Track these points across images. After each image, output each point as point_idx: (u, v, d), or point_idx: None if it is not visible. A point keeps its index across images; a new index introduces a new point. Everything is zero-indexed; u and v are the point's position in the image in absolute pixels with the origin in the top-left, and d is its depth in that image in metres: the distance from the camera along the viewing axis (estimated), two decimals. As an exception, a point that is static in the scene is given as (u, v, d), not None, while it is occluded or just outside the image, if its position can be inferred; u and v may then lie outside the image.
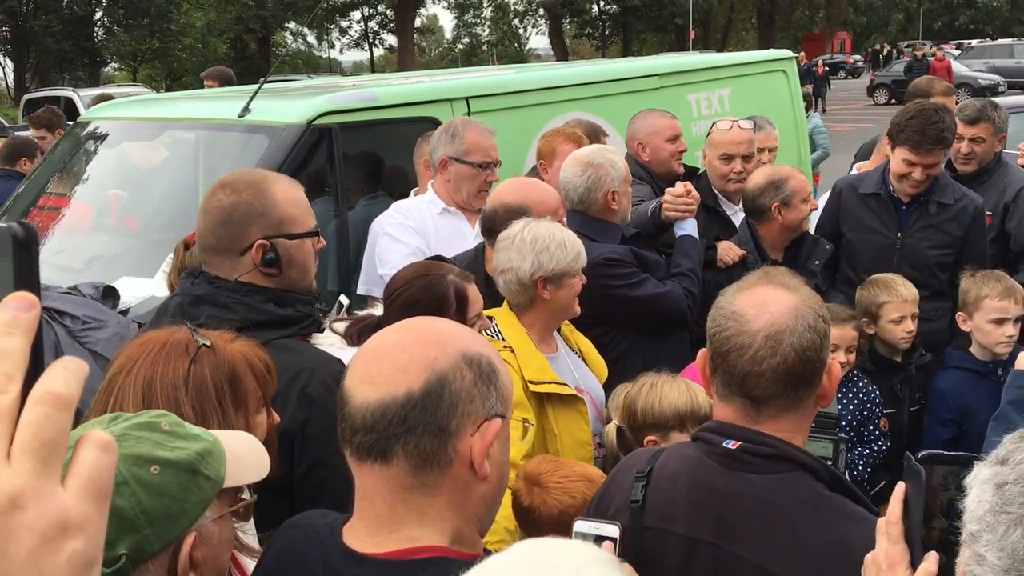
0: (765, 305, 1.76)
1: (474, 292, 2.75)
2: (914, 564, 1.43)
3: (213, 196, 2.31)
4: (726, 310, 1.80)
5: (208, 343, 1.81)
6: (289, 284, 2.34)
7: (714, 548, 1.76)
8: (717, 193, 4.36)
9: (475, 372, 1.38)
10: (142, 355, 1.79)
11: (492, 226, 3.27)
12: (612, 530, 1.74)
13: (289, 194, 2.36)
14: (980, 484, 1.23)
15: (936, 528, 1.47)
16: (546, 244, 2.90)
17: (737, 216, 4.33)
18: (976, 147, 4.63)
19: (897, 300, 3.83)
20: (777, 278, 1.85)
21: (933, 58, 30.55)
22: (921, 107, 4.16)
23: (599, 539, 1.73)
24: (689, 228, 3.83)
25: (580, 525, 1.77)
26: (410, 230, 3.87)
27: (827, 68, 36.83)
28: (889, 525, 1.47)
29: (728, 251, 4.00)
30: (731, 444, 1.79)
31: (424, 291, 2.66)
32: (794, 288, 1.82)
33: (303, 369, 2.19)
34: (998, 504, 1.18)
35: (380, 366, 1.37)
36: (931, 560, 1.42)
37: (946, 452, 1.54)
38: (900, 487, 1.48)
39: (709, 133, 4.47)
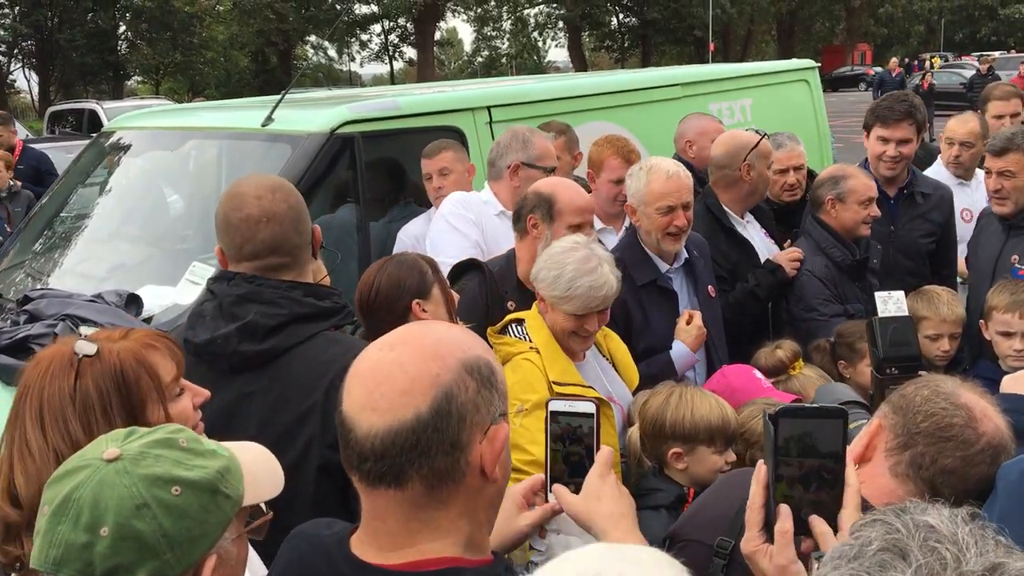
0: (989, 414, 1.74)
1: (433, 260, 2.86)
2: (768, 523, 1.47)
3: (275, 201, 2.33)
4: (952, 399, 1.74)
5: (92, 351, 1.74)
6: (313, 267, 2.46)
7: None
8: (727, 210, 4.20)
9: (477, 380, 1.36)
10: (34, 379, 1.73)
11: (519, 210, 3.41)
12: (587, 407, 1.71)
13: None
14: None
15: (783, 479, 1.49)
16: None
17: (747, 230, 4.27)
18: (1006, 182, 3.99)
19: (936, 318, 3.74)
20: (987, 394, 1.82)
21: (1016, 73, 22.67)
22: (893, 92, 4.52)
23: (576, 416, 1.70)
24: (678, 352, 3.53)
25: (555, 404, 1.73)
26: (471, 222, 3.90)
27: (933, 83, 25.66)
28: (750, 513, 1.50)
29: (788, 260, 4.02)
30: None
31: (398, 268, 2.73)
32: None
33: (353, 358, 2.23)
34: None
35: (382, 389, 1.32)
36: (783, 516, 1.45)
37: (804, 406, 1.52)
38: (760, 466, 1.50)
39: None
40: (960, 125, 5.16)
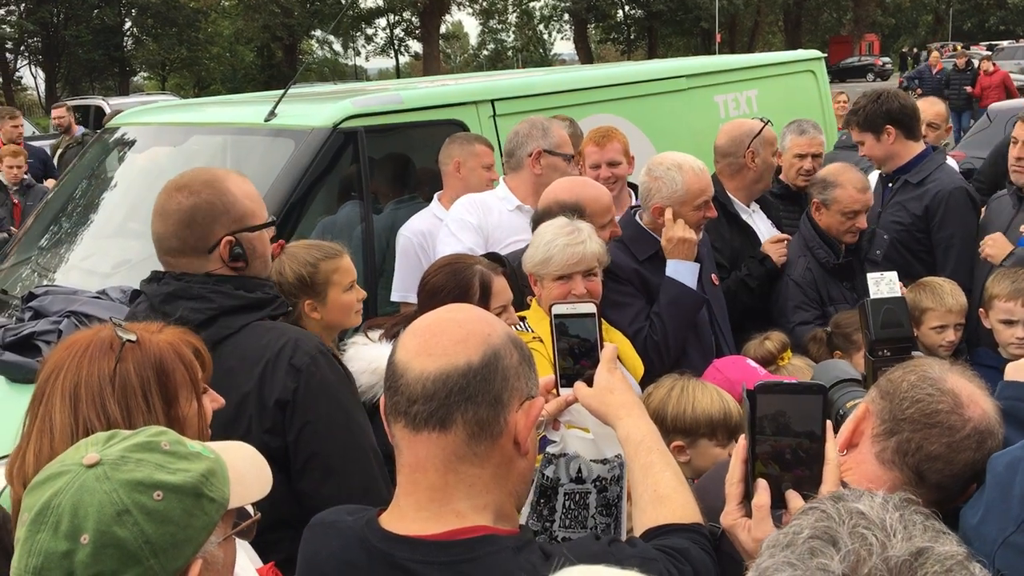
0: (976, 399, 1.69)
1: (500, 284, 2.79)
2: (748, 497, 1.48)
3: (171, 199, 2.34)
4: (939, 384, 1.70)
5: (133, 338, 1.74)
6: (254, 274, 2.42)
7: None
8: (732, 197, 4.20)
9: (519, 353, 1.47)
10: (67, 359, 1.73)
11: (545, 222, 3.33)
12: (589, 308, 1.85)
13: (245, 188, 2.43)
14: None
15: (761, 455, 1.50)
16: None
17: (752, 218, 4.26)
18: None
19: (940, 309, 3.66)
20: (976, 378, 1.77)
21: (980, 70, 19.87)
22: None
23: (579, 316, 1.84)
24: (675, 269, 3.42)
25: (558, 308, 1.87)
26: (471, 228, 3.87)
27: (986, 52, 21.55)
28: (729, 487, 1.51)
29: (774, 247, 4.00)
30: None
31: (448, 278, 2.75)
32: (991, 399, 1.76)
33: (286, 342, 2.28)
34: None
35: (438, 339, 1.43)
36: (761, 490, 1.46)
37: (782, 382, 1.51)
38: (741, 441, 1.52)
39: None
40: (929, 106, 5.41)
